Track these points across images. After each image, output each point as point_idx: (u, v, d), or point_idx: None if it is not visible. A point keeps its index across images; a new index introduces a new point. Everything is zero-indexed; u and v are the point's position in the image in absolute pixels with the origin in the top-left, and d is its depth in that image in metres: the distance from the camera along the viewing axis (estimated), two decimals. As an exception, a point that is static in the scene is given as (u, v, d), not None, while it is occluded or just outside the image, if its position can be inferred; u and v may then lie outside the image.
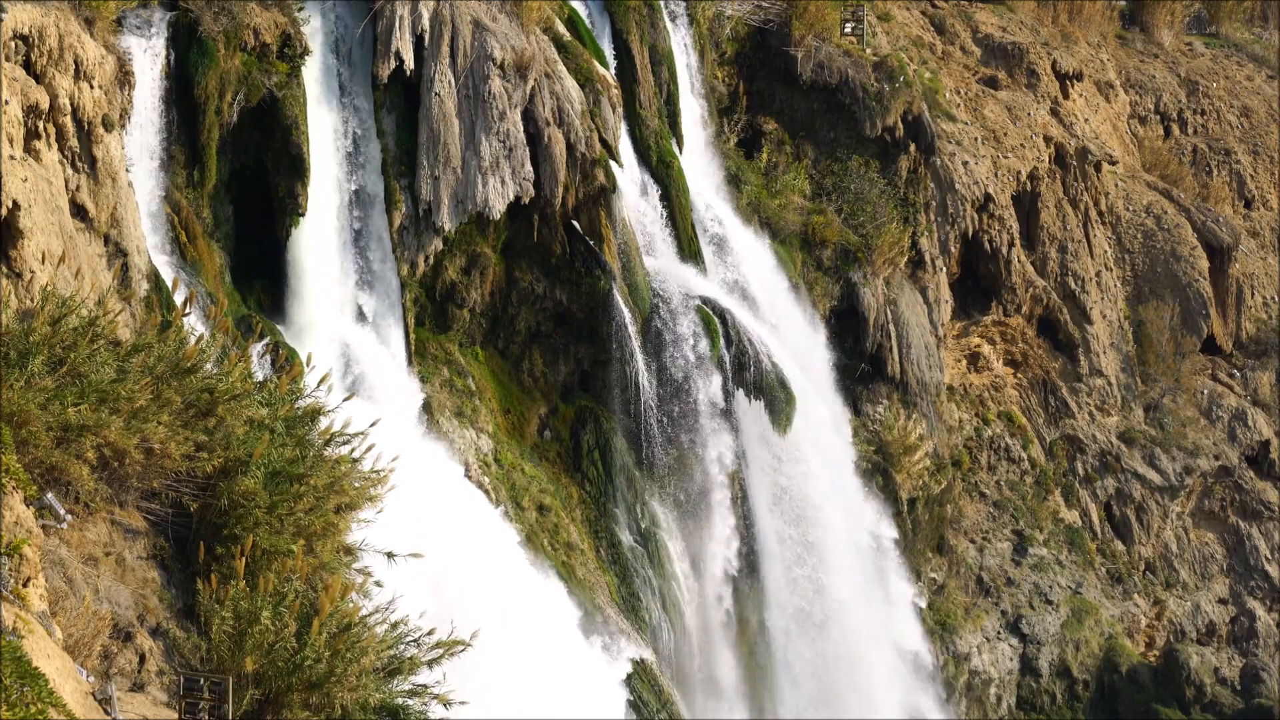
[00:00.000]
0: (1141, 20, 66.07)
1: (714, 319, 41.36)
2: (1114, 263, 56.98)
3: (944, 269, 50.94)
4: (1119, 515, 54.38)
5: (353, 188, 37.23)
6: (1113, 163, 57.78)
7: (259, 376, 23.34)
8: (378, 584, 21.13)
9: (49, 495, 18.22)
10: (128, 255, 30.72)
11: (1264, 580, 55.48)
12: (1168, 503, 54.75)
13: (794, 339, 45.03)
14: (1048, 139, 54.73)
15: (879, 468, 47.00)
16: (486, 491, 37.91)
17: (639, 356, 40.16)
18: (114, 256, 30.50)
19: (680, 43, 46.31)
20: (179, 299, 24.93)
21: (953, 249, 51.44)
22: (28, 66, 28.72)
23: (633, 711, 36.66)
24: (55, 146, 29.18)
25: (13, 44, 28.32)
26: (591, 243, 39.71)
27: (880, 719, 44.65)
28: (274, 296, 36.06)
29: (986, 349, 53.63)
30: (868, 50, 50.44)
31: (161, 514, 20.08)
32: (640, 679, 37.71)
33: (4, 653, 14.10)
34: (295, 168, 35.31)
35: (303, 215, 35.39)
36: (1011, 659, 50.06)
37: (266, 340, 32.06)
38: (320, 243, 36.40)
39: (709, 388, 40.93)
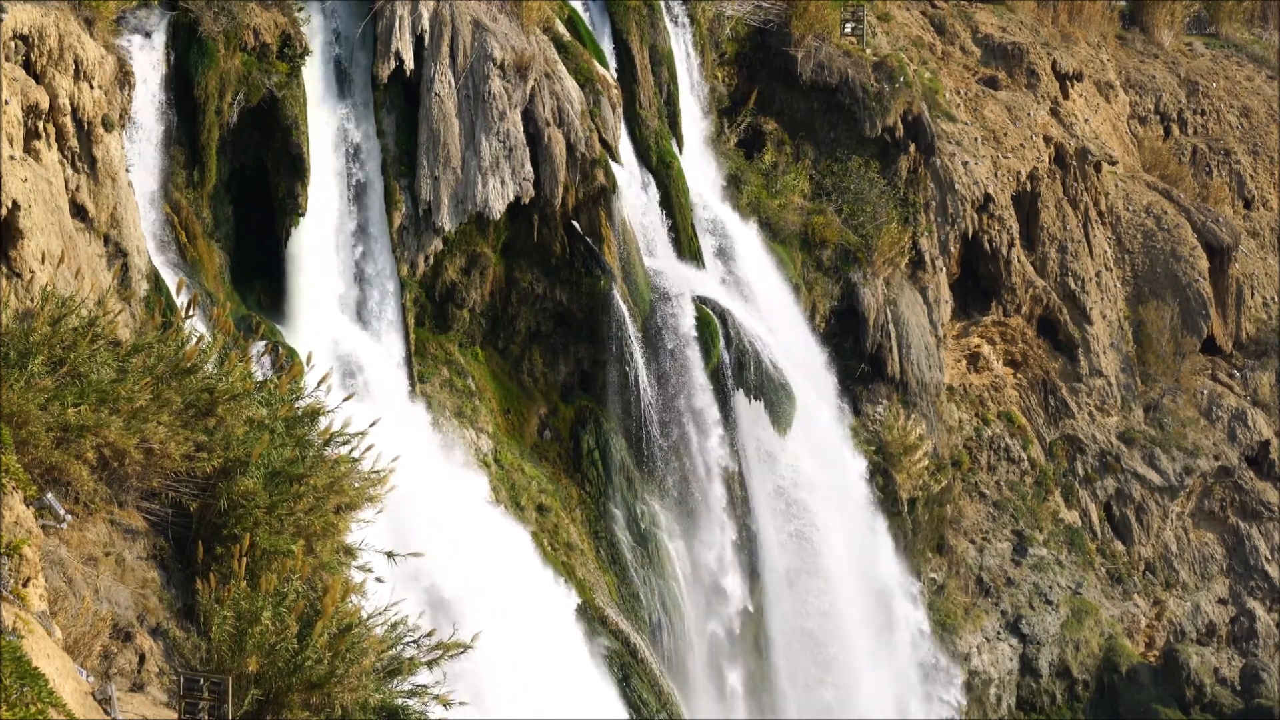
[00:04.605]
0: (1141, 20, 66.06)
1: (714, 319, 41.35)
2: (1114, 263, 56.98)
3: (944, 269, 50.93)
4: (1119, 515, 54.38)
5: (352, 188, 37.23)
6: (1113, 163, 57.77)
7: (259, 376, 23.35)
8: (379, 580, 21.16)
9: (49, 495, 18.23)
10: (128, 255, 30.71)
11: (1264, 580, 55.48)
12: (1168, 503, 54.74)
13: (794, 339, 45.02)
14: (1048, 139, 54.72)
15: (879, 468, 47.00)
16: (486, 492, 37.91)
17: (639, 356, 40.15)
18: (114, 256, 30.49)
19: (680, 43, 46.30)
20: (182, 300, 24.92)
21: (953, 249, 51.44)
22: (28, 66, 28.71)
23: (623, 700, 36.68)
24: (55, 146, 29.17)
25: (13, 44, 28.31)
26: (591, 243, 39.71)
27: (881, 718, 44.65)
28: (274, 296, 36.05)
29: (986, 349, 53.63)
30: (868, 50, 50.44)
31: (161, 514, 20.09)
32: (640, 679, 37.72)
33: (4, 653, 14.10)
34: (295, 168, 35.31)
35: (303, 215, 35.39)
36: (1011, 659, 50.06)
37: (266, 340, 32.03)
38: (320, 243, 36.40)
39: (708, 388, 40.91)
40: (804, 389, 43.00)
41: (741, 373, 41.54)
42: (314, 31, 36.51)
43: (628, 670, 37.71)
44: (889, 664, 45.83)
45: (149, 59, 33.29)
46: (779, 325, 44.40)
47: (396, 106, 37.65)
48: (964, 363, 53.22)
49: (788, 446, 42.80)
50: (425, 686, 19.39)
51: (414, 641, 19.47)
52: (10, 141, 27.17)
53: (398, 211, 37.31)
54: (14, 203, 26.23)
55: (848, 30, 50.56)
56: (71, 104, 29.42)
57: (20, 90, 27.96)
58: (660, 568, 40.56)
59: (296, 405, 21.76)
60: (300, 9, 36.04)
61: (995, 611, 50.30)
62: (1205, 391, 57.17)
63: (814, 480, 43.67)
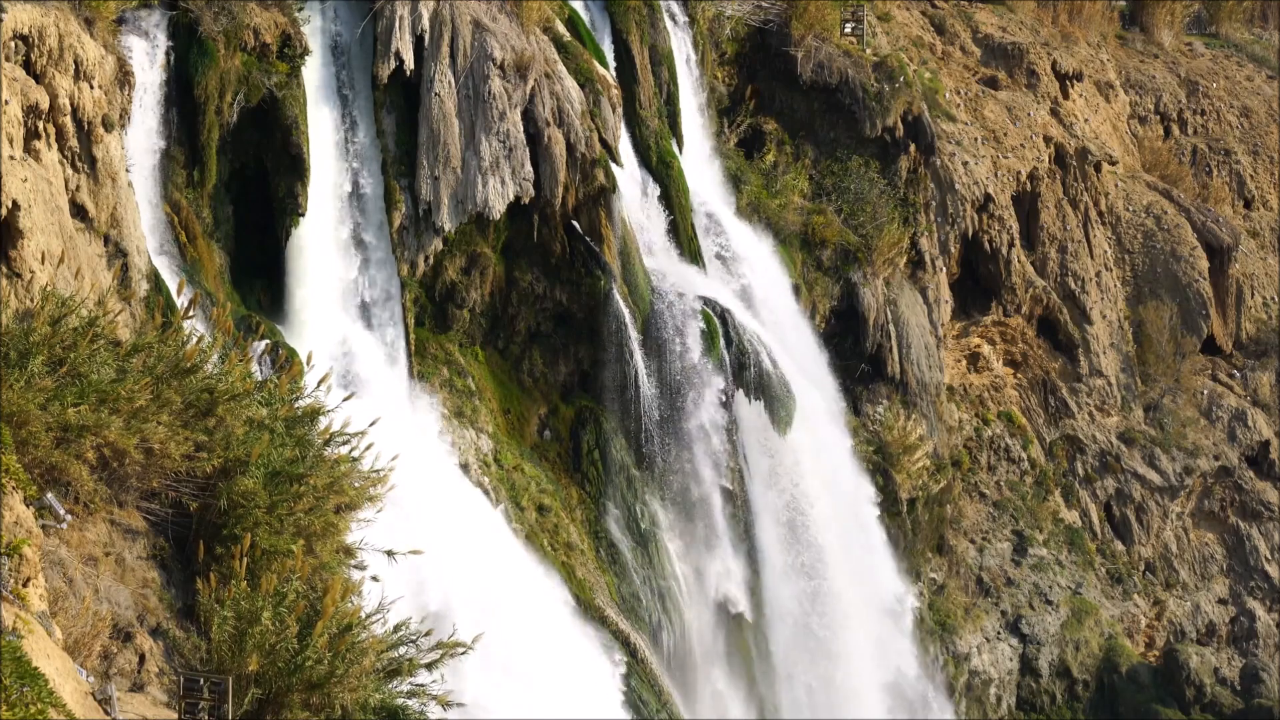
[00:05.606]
0: (1141, 20, 66.05)
1: (714, 319, 41.35)
2: (1114, 263, 56.98)
3: (944, 269, 50.93)
4: (1119, 515, 54.39)
5: (352, 188, 37.23)
6: (1113, 163, 57.77)
7: (259, 376, 23.37)
8: (374, 579, 21.18)
9: (49, 495, 18.23)
10: (128, 255, 30.72)
11: (1264, 580, 55.48)
12: (1168, 503, 54.74)
13: (794, 339, 45.02)
14: (1048, 139, 54.72)
15: (879, 468, 46.99)
16: (486, 492, 37.92)
17: (639, 356, 40.15)
18: (114, 256, 30.51)
19: (680, 43, 46.30)
20: (182, 300, 24.93)
21: (953, 249, 51.43)
22: (28, 66, 28.72)
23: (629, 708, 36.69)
24: (55, 146, 29.18)
25: (13, 44, 28.32)
26: (591, 243, 39.71)
27: (879, 718, 44.64)
28: (274, 296, 36.07)
29: (986, 349, 53.63)
30: (868, 50, 50.43)
31: (161, 514, 20.10)
32: (640, 679, 37.72)
33: (4, 653, 14.11)
34: (295, 168, 35.31)
35: (303, 215, 35.39)
36: (1011, 659, 50.06)
37: (266, 340, 32.05)
38: (320, 243, 36.40)
39: (709, 388, 40.91)
40: (804, 389, 42.99)
41: (741, 373, 41.54)
42: (314, 31, 36.51)
43: (628, 670, 37.73)
44: (887, 661, 45.82)
45: (149, 59, 33.30)
46: (779, 325, 44.39)
47: (396, 106, 37.65)
48: (964, 363, 53.23)
49: (788, 446, 42.79)
50: (424, 686, 19.40)
51: (413, 641, 19.47)
52: (10, 141, 27.17)
53: (398, 211, 37.31)
54: (14, 203, 26.24)
55: (848, 30, 50.56)
56: (71, 104, 29.43)
57: (20, 90, 27.96)
58: (660, 568, 40.57)
59: (296, 405, 21.78)
60: (300, 9, 36.05)
61: (995, 611, 50.30)
62: (1205, 391, 57.16)
63: (814, 480, 43.65)
